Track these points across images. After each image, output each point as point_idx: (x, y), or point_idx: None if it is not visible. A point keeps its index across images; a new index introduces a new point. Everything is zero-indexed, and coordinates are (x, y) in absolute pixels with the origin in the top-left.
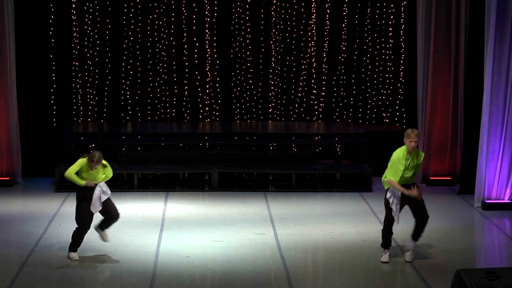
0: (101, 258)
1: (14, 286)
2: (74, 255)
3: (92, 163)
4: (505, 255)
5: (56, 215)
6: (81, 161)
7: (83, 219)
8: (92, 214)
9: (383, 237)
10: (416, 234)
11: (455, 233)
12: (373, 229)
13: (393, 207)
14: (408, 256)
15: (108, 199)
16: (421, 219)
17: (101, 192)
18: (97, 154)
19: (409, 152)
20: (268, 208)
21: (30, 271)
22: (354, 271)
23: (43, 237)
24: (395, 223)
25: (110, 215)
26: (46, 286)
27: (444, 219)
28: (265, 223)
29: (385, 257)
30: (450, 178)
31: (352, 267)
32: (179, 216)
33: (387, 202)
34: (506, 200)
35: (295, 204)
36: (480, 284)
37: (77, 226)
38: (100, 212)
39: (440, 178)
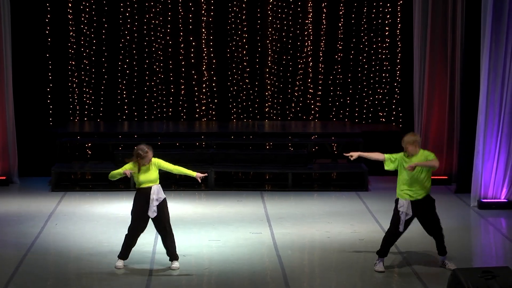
0: (98, 258)
1: (10, 286)
2: (118, 263)
3: (142, 154)
4: (501, 255)
5: (53, 214)
6: (128, 166)
7: (131, 224)
8: (142, 220)
9: (382, 245)
10: (440, 249)
11: (451, 233)
12: (369, 229)
13: (402, 216)
14: (448, 265)
15: (164, 210)
16: (435, 235)
17: (153, 195)
18: (143, 146)
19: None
20: (265, 207)
21: (27, 271)
22: (351, 271)
23: (40, 236)
24: (399, 231)
25: (160, 230)
26: (43, 286)
27: (440, 218)
28: (262, 223)
29: (379, 266)
30: (446, 177)
31: (348, 266)
32: (176, 216)
33: (396, 212)
34: (502, 200)
35: (292, 203)
36: (477, 283)
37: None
38: (153, 222)
39: (437, 177)
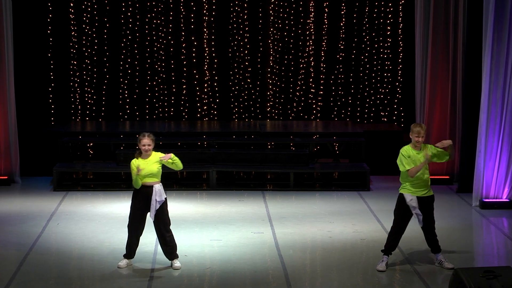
0: (99, 257)
1: (12, 286)
2: (121, 262)
3: (139, 137)
4: (503, 254)
5: (54, 214)
6: (133, 162)
7: (129, 222)
8: (140, 219)
9: (387, 242)
10: (433, 246)
11: (453, 232)
12: (371, 228)
13: (415, 212)
14: (445, 264)
15: (163, 212)
16: (430, 231)
17: (155, 196)
18: (145, 133)
19: (416, 147)
20: (266, 207)
21: (28, 271)
22: (352, 270)
23: (41, 236)
24: (408, 227)
25: (157, 232)
26: (44, 285)
27: (442, 218)
28: (263, 222)
29: (381, 265)
30: (448, 177)
31: (350, 266)
32: (177, 215)
33: (400, 208)
34: (504, 199)
35: (293, 203)
36: (478, 283)
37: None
38: (154, 223)
39: (438, 177)
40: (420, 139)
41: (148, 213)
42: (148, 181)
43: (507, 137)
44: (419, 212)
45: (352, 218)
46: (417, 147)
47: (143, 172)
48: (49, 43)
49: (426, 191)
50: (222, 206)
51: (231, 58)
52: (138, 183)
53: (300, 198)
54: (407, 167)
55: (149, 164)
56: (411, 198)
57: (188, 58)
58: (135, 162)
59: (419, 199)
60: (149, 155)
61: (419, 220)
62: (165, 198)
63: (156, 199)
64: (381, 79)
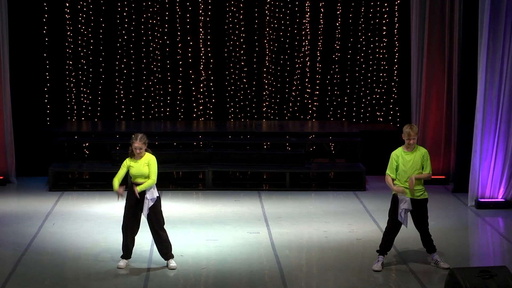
0: (95, 257)
1: (7, 286)
2: (120, 263)
3: (132, 139)
4: (498, 254)
5: (50, 214)
6: (125, 162)
7: (123, 222)
8: (133, 219)
9: (382, 243)
10: (428, 246)
11: (449, 232)
12: (367, 228)
13: (402, 213)
14: (441, 264)
15: (156, 210)
16: (423, 231)
17: (147, 194)
18: (139, 134)
19: (408, 149)
20: (262, 207)
21: (24, 271)
22: (348, 270)
23: (37, 236)
24: (403, 227)
25: (151, 231)
26: (40, 285)
27: (438, 218)
28: (259, 222)
29: (377, 265)
30: (444, 177)
31: (346, 266)
32: (173, 215)
33: (394, 209)
34: (499, 199)
35: (289, 203)
36: (474, 283)
37: None
38: (148, 222)
39: (434, 177)
40: (411, 141)
41: (142, 213)
42: (140, 181)
43: (503, 137)
44: (403, 217)
45: (348, 218)
46: (409, 149)
47: (132, 172)
48: (45, 43)
49: (420, 193)
50: (218, 206)
51: (227, 58)
52: (115, 184)
53: (296, 198)
54: (387, 172)
55: (140, 165)
56: (404, 202)
57: (184, 58)
58: (126, 162)
59: (413, 201)
60: (141, 156)
61: (404, 224)
62: (158, 197)
63: (147, 197)
64: (377, 79)
